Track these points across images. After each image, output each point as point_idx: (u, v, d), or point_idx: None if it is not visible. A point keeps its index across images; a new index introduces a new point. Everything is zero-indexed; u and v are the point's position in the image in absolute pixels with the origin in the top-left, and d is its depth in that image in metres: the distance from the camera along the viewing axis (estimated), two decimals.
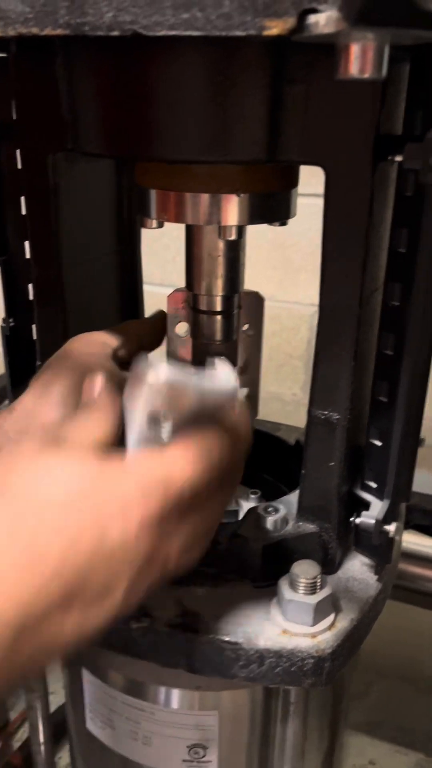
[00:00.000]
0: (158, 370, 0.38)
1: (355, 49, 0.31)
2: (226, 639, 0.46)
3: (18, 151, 0.54)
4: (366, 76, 0.32)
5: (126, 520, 0.35)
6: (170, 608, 0.48)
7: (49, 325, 0.53)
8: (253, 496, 0.62)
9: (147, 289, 0.66)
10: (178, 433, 0.40)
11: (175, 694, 0.52)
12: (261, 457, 0.59)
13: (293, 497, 0.52)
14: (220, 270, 0.52)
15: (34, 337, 0.55)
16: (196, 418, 0.40)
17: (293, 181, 0.50)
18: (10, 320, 0.61)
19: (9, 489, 0.36)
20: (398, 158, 0.39)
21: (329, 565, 0.51)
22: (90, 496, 0.35)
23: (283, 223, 0.52)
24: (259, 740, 0.54)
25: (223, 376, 0.41)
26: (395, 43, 0.35)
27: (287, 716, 0.51)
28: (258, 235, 0.67)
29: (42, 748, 0.93)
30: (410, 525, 1.05)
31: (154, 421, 0.40)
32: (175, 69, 0.40)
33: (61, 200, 0.50)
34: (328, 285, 0.44)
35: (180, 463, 0.38)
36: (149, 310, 0.61)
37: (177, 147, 0.42)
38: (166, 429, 0.40)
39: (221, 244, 0.51)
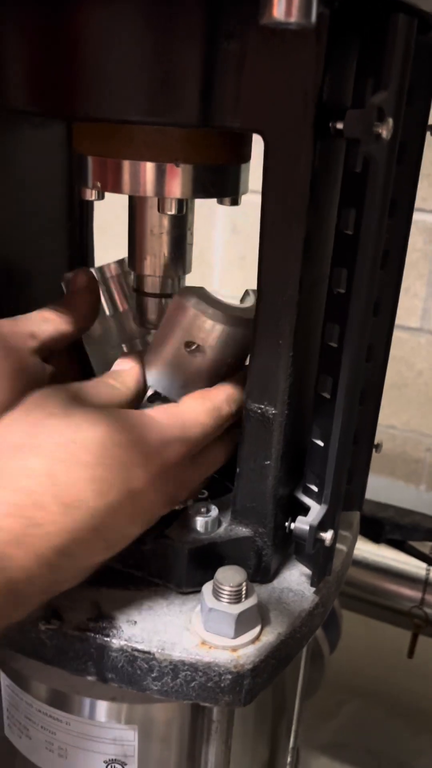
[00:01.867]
0: (199, 299, 0.44)
1: None
2: (139, 647, 0.42)
3: None
4: (292, 20, 0.28)
5: (148, 469, 0.39)
6: (85, 610, 0.44)
7: None
8: (200, 497, 0.58)
9: None
10: (208, 365, 0.44)
11: (90, 705, 0.48)
12: None
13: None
14: (165, 248, 0.49)
15: None
16: (225, 347, 0.44)
17: (243, 155, 0.46)
18: None
19: (41, 442, 0.37)
20: (339, 125, 0.35)
21: (264, 574, 0.47)
22: (117, 447, 0.38)
23: (235, 202, 0.48)
24: (182, 760, 0.50)
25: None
26: None
27: (210, 736, 0.47)
28: None
29: None
30: (384, 540, 1.02)
31: (188, 347, 0.44)
32: (103, 17, 0.36)
33: None
34: (266, 269, 0.40)
35: (195, 413, 0.43)
36: None
37: (103, 103, 0.38)
38: (198, 358, 0.44)
39: (164, 220, 0.48)
